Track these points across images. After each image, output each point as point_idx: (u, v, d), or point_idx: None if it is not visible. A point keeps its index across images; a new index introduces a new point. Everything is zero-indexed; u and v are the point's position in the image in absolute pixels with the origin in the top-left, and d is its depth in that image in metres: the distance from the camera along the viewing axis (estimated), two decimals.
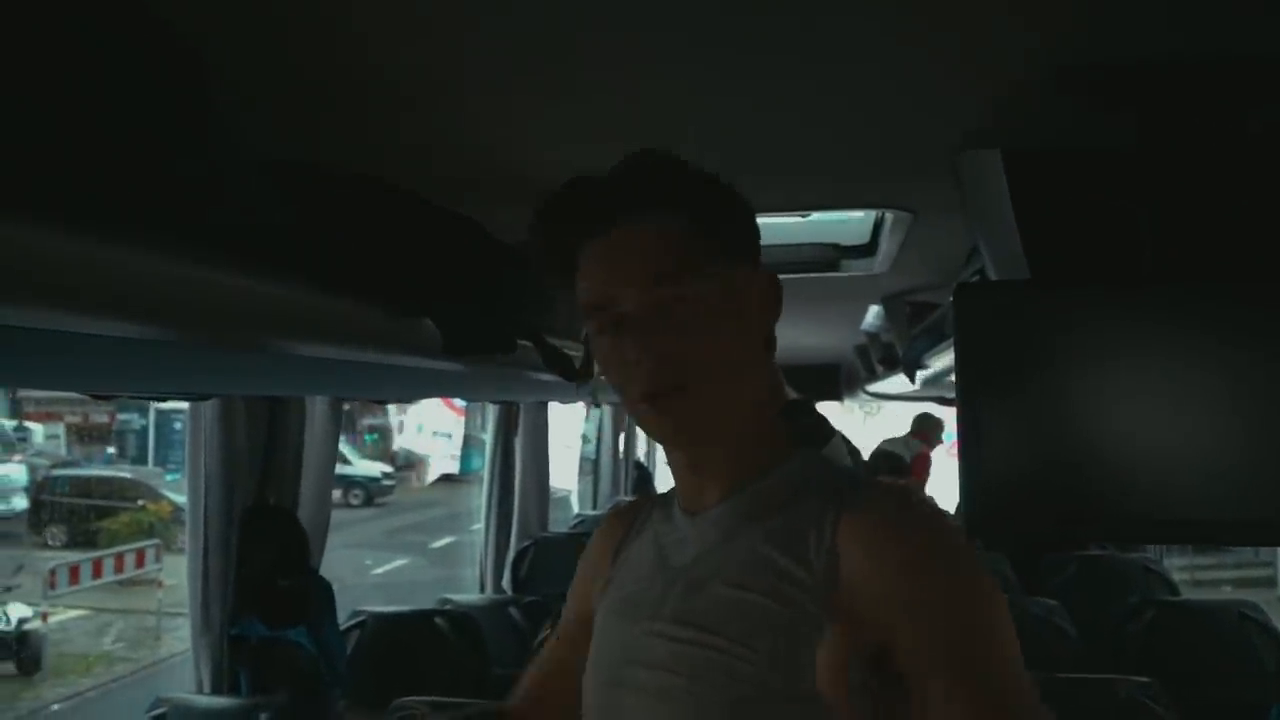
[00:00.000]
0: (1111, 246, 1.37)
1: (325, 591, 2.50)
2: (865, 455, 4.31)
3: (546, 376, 2.09)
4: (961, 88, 1.36)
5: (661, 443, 1.01)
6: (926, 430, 6.01)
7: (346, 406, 2.77)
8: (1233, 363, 1.18)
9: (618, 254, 0.96)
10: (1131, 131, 1.27)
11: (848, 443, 2.41)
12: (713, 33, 1.16)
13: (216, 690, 2.25)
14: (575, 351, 2.02)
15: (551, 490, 4.69)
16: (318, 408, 2.56)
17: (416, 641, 2.74)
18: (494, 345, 1.49)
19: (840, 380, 6.97)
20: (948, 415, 5.71)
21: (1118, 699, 2.08)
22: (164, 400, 1.85)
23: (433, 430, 18.71)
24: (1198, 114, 1.24)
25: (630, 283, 0.95)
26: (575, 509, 6.67)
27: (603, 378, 1.02)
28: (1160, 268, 1.27)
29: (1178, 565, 4.17)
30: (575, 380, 1.96)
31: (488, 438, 4.26)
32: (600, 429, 6.27)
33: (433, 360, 1.52)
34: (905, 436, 6.13)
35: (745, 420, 1.00)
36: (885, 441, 6.05)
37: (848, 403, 7.91)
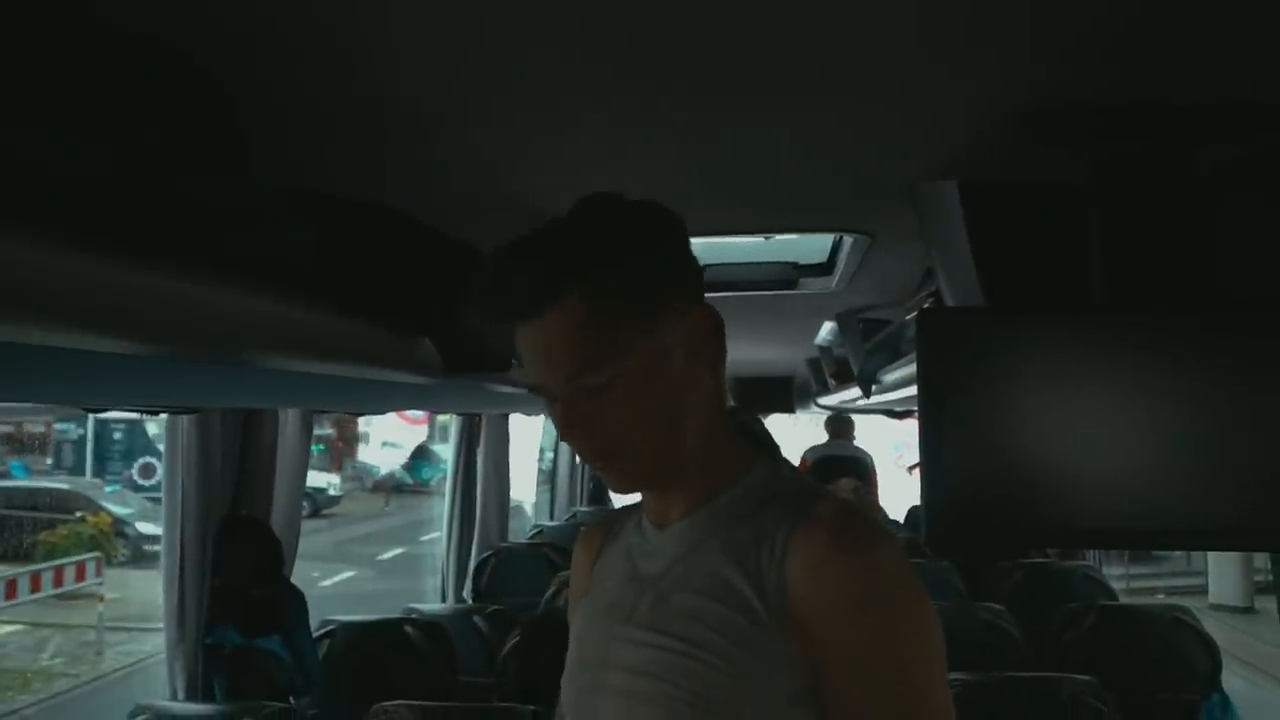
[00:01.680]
0: (1063, 276, 1.48)
1: (299, 600, 2.54)
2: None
3: (510, 389, 2.14)
4: (920, 125, 1.44)
5: (616, 492, 1.09)
6: (844, 427, 5.76)
7: None
8: (1172, 387, 1.28)
9: (532, 347, 1.01)
10: (1084, 169, 1.37)
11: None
12: (692, 77, 1.24)
13: (191, 698, 2.28)
14: None
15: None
16: (289, 419, 2.60)
17: (386, 649, 2.78)
18: (491, 362, 1.56)
19: (793, 393, 7.07)
20: (896, 428, 5.74)
21: (1060, 697, 2.19)
22: (155, 414, 1.88)
23: (382, 440, 18.56)
24: (1147, 154, 1.34)
25: (546, 376, 1.01)
26: (531, 519, 6.70)
27: None
28: (1110, 298, 1.37)
29: (1115, 575, 4.33)
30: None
31: (449, 449, 4.30)
32: (558, 441, 6.32)
33: (424, 379, 1.59)
34: (832, 441, 5.90)
35: (695, 455, 1.05)
36: (819, 447, 5.90)
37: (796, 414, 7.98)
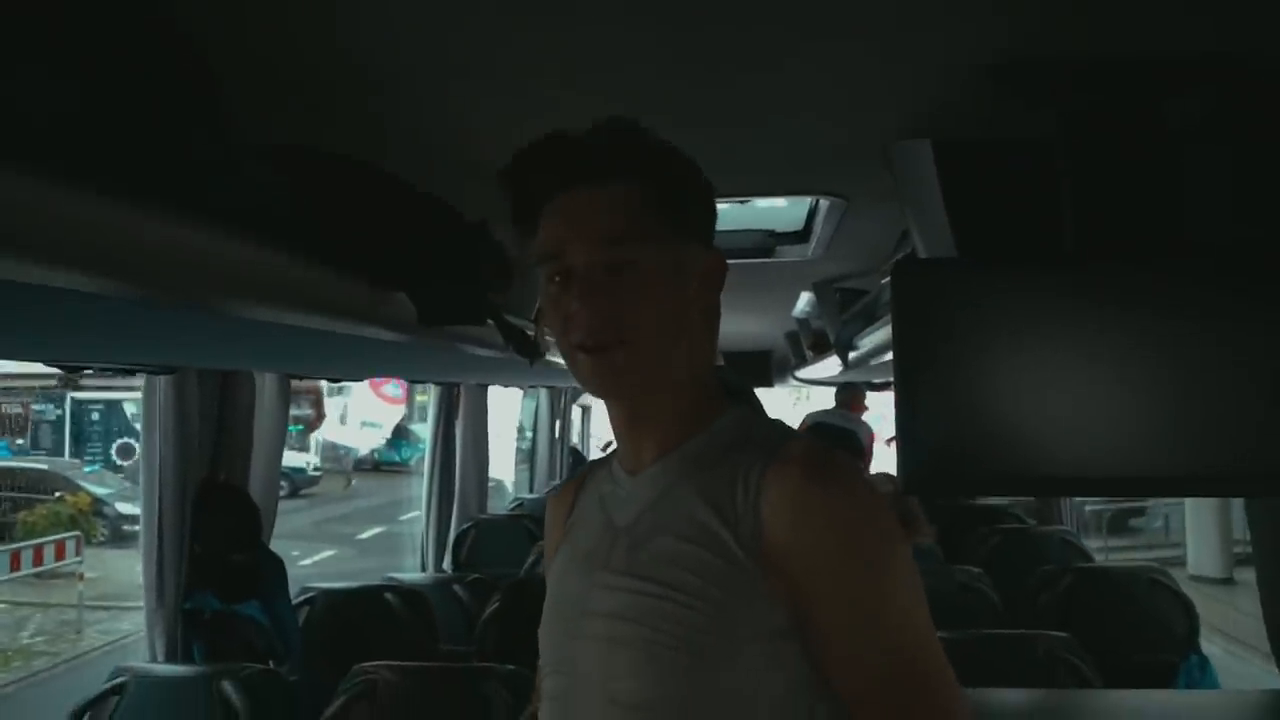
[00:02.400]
0: (1035, 228, 1.49)
1: (277, 566, 2.54)
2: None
3: (489, 352, 2.14)
4: (893, 81, 1.45)
5: (594, 392, 1.07)
6: (855, 397, 5.62)
7: None
8: (1144, 332, 1.30)
9: (575, 210, 1.02)
10: (1054, 122, 1.39)
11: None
12: (664, 27, 1.24)
13: (171, 662, 2.28)
14: (530, 330, 2.09)
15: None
16: (267, 385, 2.59)
17: (366, 616, 2.78)
18: (467, 317, 1.56)
19: (771, 366, 7.09)
20: (877, 399, 5.73)
21: (1036, 652, 2.22)
22: (131, 374, 1.87)
23: (361, 420, 18.50)
24: (1116, 106, 1.35)
25: (582, 238, 1.01)
26: (511, 495, 6.72)
27: (548, 336, 1.09)
28: (1080, 248, 1.39)
29: (1094, 547, 4.36)
30: (530, 357, 2.03)
31: (428, 423, 4.30)
32: (537, 415, 6.33)
33: (399, 335, 1.59)
34: (836, 409, 5.93)
35: (678, 383, 1.06)
36: (820, 413, 5.88)
37: (777, 389, 8.01)
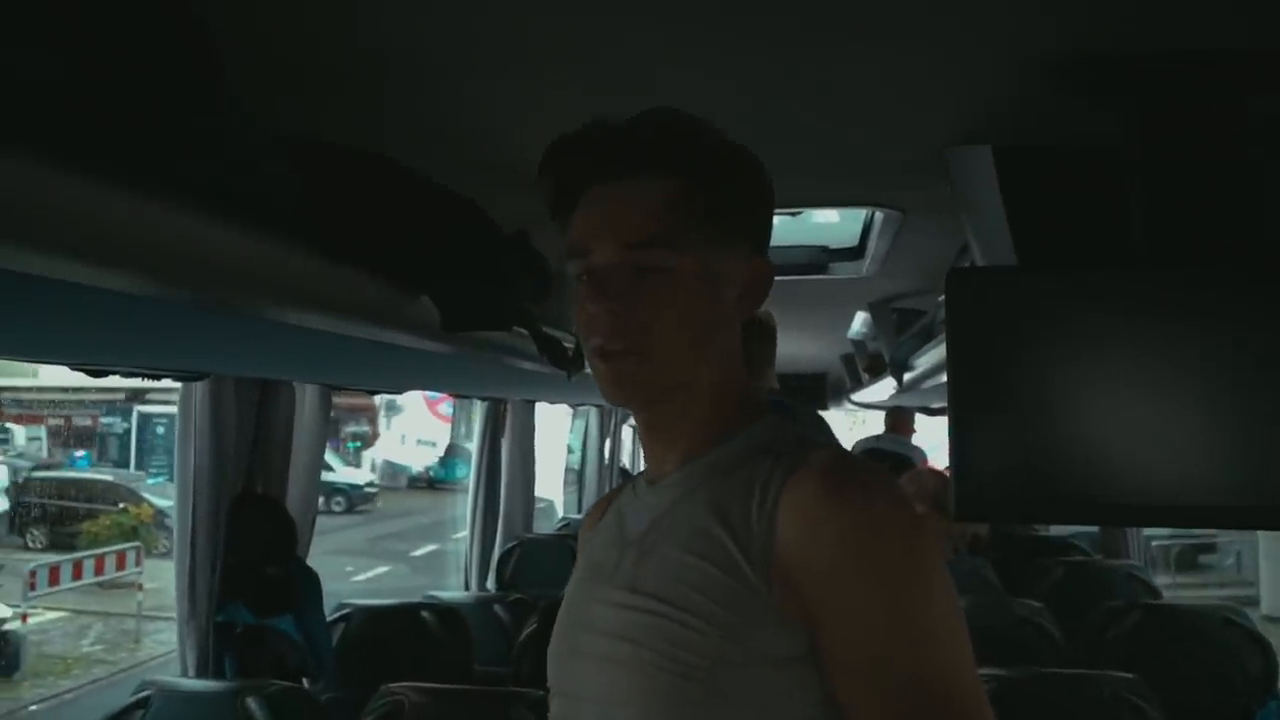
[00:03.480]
0: (1101, 236, 1.39)
1: (312, 581, 2.50)
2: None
3: (534, 366, 2.09)
4: (951, 81, 1.38)
5: (609, 399, 0.99)
6: (903, 420, 5.54)
7: (331, 413, 2.76)
8: (1219, 348, 1.20)
9: (603, 206, 0.95)
10: (1124, 121, 1.29)
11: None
12: (709, 31, 1.18)
13: (202, 675, 2.24)
14: (569, 342, 2.03)
15: (536, 498, 4.69)
16: (307, 397, 2.56)
17: (402, 634, 2.73)
18: (490, 322, 1.50)
19: (827, 390, 6.98)
20: (933, 425, 5.60)
21: (1101, 694, 2.09)
22: (158, 378, 1.85)
23: (416, 438, 18.66)
24: (1193, 104, 1.25)
25: (606, 238, 0.94)
26: (560, 515, 6.67)
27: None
28: (1151, 257, 1.29)
29: (1160, 584, 4.18)
30: (567, 369, 1.96)
31: (474, 440, 4.26)
32: (586, 437, 6.28)
33: (426, 342, 1.53)
34: (886, 434, 5.85)
35: (704, 393, 0.98)
36: (871, 439, 5.79)
37: (833, 412, 7.90)
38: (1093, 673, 2.25)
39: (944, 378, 1.60)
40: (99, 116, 0.88)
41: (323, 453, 2.69)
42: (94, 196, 0.87)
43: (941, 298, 2.75)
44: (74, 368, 1.57)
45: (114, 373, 1.58)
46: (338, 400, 2.80)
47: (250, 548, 2.33)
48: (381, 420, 17.11)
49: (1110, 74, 1.27)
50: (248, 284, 1.15)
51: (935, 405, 5.02)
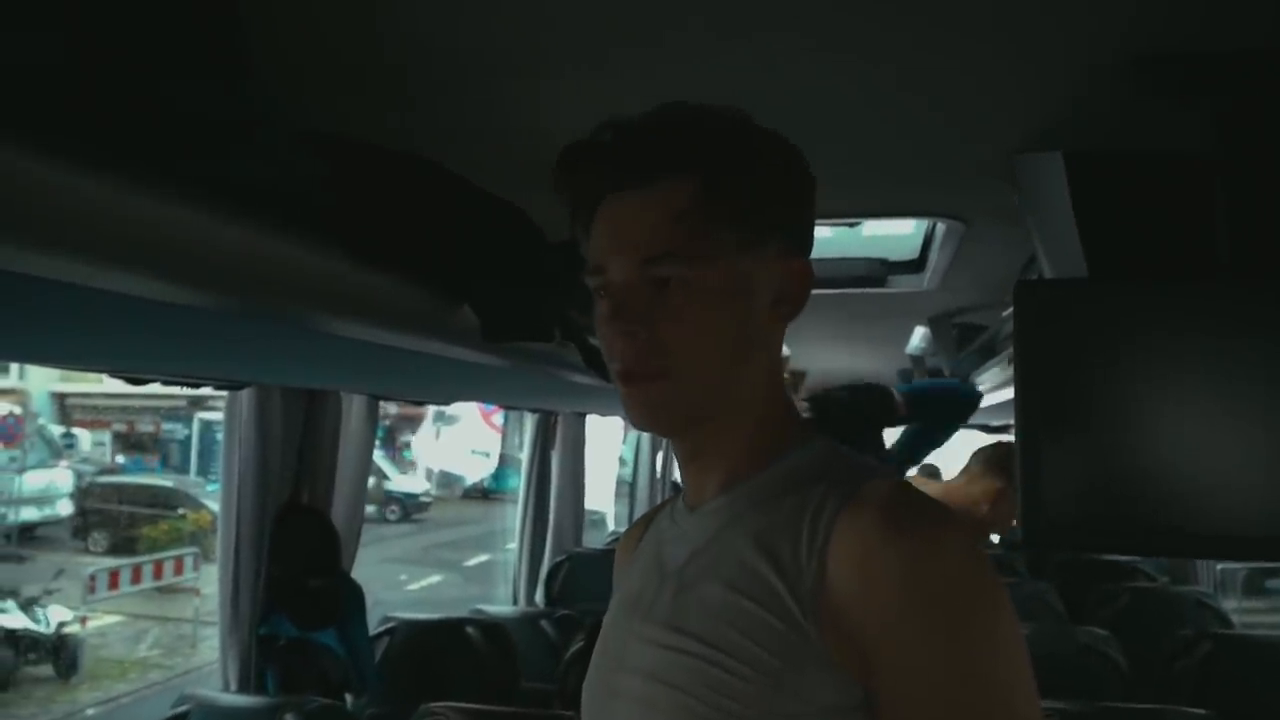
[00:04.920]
0: (1180, 247, 1.31)
1: (356, 594, 2.47)
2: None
3: (584, 379, 2.04)
4: (1019, 84, 1.31)
5: (636, 425, 0.92)
6: (1003, 467, 4.65)
7: (386, 422, 2.74)
8: None
9: (617, 218, 0.88)
10: (1207, 124, 1.21)
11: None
12: (759, 28, 1.11)
13: (243, 689, 2.22)
14: None
15: (587, 511, 4.64)
16: (354, 407, 2.54)
17: (447, 649, 2.69)
18: (532, 333, 1.45)
19: None
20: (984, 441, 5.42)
21: None
22: (197, 386, 1.83)
23: (470, 448, 18.75)
24: None
25: (621, 253, 0.87)
26: (611, 528, 6.62)
27: None
28: (1235, 268, 1.21)
29: (1228, 608, 4.03)
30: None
31: (524, 452, 4.22)
32: (638, 450, 6.23)
33: (470, 352, 1.49)
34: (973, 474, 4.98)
35: (740, 412, 0.91)
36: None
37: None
38: (1163, 707, 2.13)
39: (1005, 395, 1.52)
40: (146, 118, 0.86)
41: (369, 464, 2.66)
42: (138, 205, 0.85)
43: (1006, 312, 2.67)
44: (113, 374, 1.56)
45: (151, 380, 1.56)
46: (395, 410, 2.79)
47: (294, 559, 2.31)
48: (430, 428, 17.23)
49: (1192, 73, 1.19)
50: (284, 292, 1.13)
51: (996, 423, 4.88)
